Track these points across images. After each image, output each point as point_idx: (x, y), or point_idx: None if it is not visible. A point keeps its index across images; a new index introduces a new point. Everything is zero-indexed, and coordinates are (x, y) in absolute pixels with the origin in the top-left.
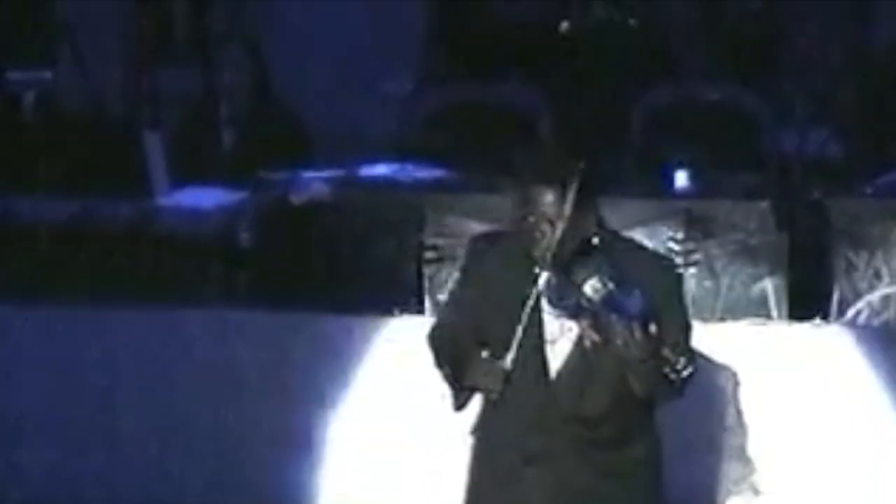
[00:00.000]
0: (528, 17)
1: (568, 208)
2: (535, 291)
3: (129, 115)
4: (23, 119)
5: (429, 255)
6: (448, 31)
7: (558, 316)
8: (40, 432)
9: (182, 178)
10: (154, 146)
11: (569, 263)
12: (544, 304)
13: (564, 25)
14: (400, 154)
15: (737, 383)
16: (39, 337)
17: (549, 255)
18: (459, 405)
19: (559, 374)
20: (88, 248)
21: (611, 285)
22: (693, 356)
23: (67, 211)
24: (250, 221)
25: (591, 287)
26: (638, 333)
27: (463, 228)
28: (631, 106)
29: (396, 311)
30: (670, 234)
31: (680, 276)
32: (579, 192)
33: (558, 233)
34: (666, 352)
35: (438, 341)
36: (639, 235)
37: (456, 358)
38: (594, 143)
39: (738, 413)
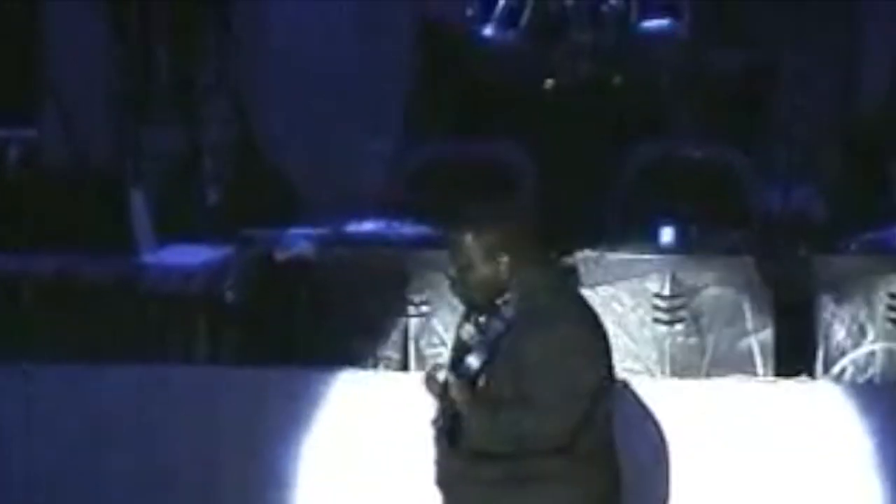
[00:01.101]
0: (513, 74)
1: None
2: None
3: (114, 172)
4: (6, 175)
5: (413, 310)
6: (433, 89)
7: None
8: (23, 492)
9: (167, 234)
10: (139, 203)
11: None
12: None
13: (549, 82)
14: (385, 211)
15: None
16: (21, 393)
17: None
18: None
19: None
20: (73, 303)
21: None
22: (530, 417)
23: (52, 266)
24: (235, 278)
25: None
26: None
27: (446, 284)
28: (616, 163)
29: (381, 366)
30: (656, 290)
31: (550, 350)
32: (486, 248)
33: (464, 282)
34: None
35: None
36: (623, 292)
37: None
38: (579, 199)
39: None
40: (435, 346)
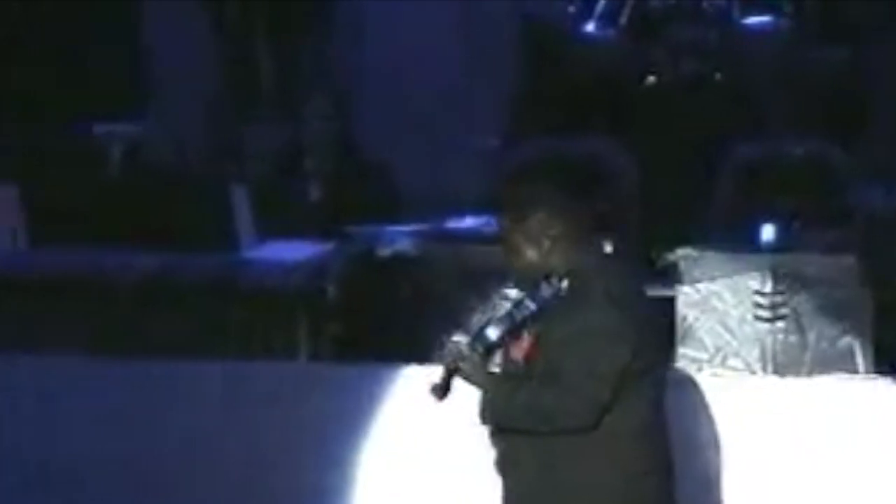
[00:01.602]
0: (614, 71)
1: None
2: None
3: (216, 169)
4: (110, 172)
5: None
6: (533, 87)
7: None
8: (120, 486)
9: (268, 231)
10: (241, 200)
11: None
12: None
13: (650, 80)
14: (485, 207)
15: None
16: (124, 391)
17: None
18: None
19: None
20: (174, 301)
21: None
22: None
23: (154, 264)
24: (336, 275)
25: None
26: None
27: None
28: (717, 160)
29: None
30: (756, 287)
31: (573, 329)
32: (526, 232)
33: (511, 265)
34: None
35: None
36: (725, 289)
37: None
38: (679, 197)
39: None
40: None
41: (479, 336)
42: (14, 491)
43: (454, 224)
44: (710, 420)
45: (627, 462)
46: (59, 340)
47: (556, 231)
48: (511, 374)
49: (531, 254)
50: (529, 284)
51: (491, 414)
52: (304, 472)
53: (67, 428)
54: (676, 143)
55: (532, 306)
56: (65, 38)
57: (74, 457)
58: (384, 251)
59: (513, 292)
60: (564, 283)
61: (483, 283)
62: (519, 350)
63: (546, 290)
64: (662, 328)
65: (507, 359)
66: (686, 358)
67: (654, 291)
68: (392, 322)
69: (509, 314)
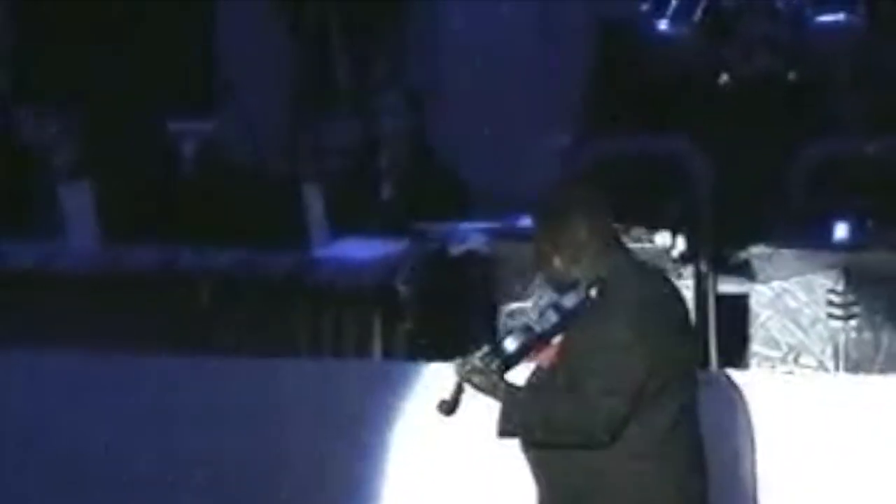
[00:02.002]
0: (687, 69)
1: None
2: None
3: (289, 167)
4: (183, 169)
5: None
6: (607, 85)
7: None
8: (202, 485)
9: (340, 229)
10: (314, 198)
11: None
12: None
13: (724, 77)
14: None
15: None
16: (199, 385)
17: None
18: None
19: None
20: (248, 298)
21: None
22: (581, 411)
23: (226, 262)
24: (409, 272)
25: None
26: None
27: None
28: (790, 157)
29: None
30: (829, 286)
31: (590, 343)
32: (546, 244)
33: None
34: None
35: None
36: (797, 287)
37: None
38: (752, 194)
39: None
40: None
41: (496, 349)
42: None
43: (527, 222)
44: (780, 418)
45: (647, 471)
46: (131, 338)
47: (583, 238)
48: (533, 385)
49: (557, 260)
50: (556, 291)
51: (508, 427)
52: (370, 469)
53: (162, 427)
54: (750, 140)
55: (554, 318)
56: (140, 35)
57: (159, 456)
58: (456, 249)
59: (527, 305)
60: (593, 292)
61: None
62: (546, 357)
63: (570, 300)
64: (689, 335)
65: (536, 366)
66: (759, 356)
67: (727, 289)
68: (464, 320)
69: (528, 326)
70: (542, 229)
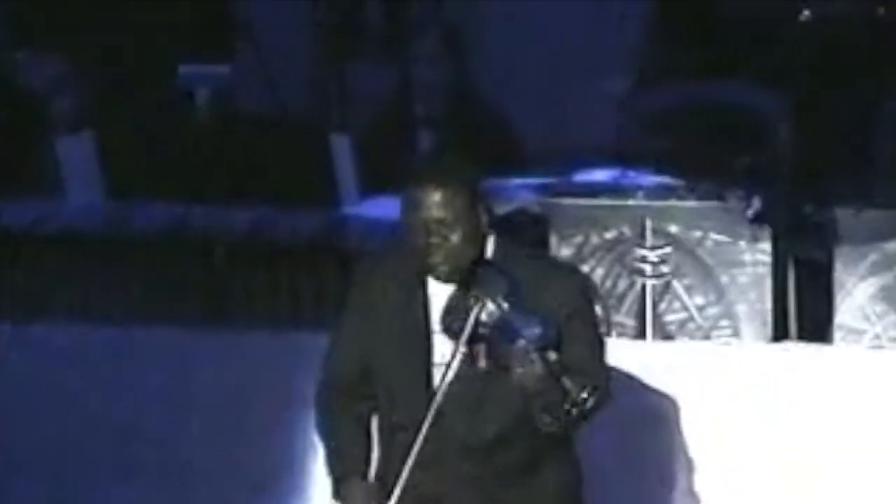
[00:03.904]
0: (763, 7)
1: (453, 214)
2: (421, 313)
3: (315, 116)
4: (196, 118)
5: (650, 270)
6: (672, 24)
7: (450, 338)
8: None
9: (373, 185)
10: (342, 150)
11: (461, 281)
12: (435, 325)
13: (805, 14)
14: (620, 159)
15: (677, 408)
16: (216, 360)
17: (443, 271)
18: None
19: (448, 400)
20: (267, 263)
21: (505, 307)
22: (601, 380)
23: (244, 221)
24: None
25: (485, 312)
26: (535, 363)
27: (689, 240)
28: (878, 106)
29: (614, 333)
30: None
31: (588, 290)
32: (470, 196)
33: (453, 243)
34: (566, 383)
35: (320, 415)
36: (880, 252)
37: (334, 452)
38: (837, 148)
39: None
40: (676, 311)
41: (529, 338)
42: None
43: (582, 177)
44: (864, 397)
45: (577, 466)
46: (137, 306)
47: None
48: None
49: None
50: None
51: (551, 420)
52: None
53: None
54: (833, 86)
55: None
56: None
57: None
58: (504, 207)
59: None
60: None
61: (616, 243)
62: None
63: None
64: None
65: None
66: (844, 329)
67: (806, 254)
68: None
69: (529, 312)
70: (466, 190)
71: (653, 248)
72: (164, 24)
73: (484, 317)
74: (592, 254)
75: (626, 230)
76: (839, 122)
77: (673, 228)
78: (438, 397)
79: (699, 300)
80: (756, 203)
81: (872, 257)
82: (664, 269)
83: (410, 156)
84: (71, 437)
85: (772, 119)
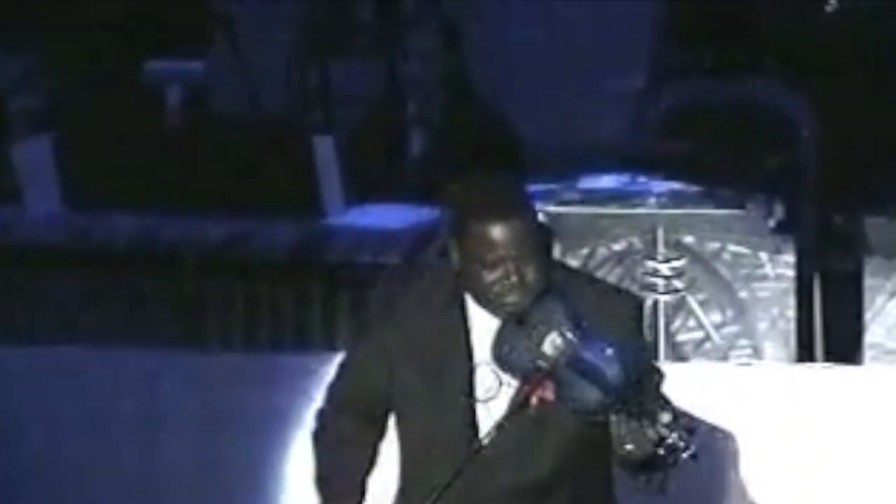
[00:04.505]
0: None
1: (530, 249)
2: (463, 343)
3: (296, 117)
4: (167, 120)
5: (662, 285)
6: (687, 18)
7: (500, 370)
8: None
9: (360, 192)
10: (326, 154)
11: (520, 310)
12: (480, 355)
13: (832, 4)
14: (629, 163)
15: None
16: (185, 384)
17: (514, 308)
18: None
19: (494, 439)
20: (244, 277)
21: (574, 339)
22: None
23: (220, 233)
24: (445, 245)
25: (550, 343)
26: (649, 439)
27: (706, 251)
28: None
29: None
30: None
31: (642, 315)
32: (537, 221)
33: (530, 279)
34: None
35: (319, 435)
36: None
37: (326, 477)
38: (868, 151)
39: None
40: (691, 330)
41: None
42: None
43: (589, 183)
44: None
45: None
46: (101, 325)
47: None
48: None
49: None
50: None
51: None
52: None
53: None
54: (864, 84)
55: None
56: None
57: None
58: None
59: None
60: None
61: (624, 252)
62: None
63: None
64: None
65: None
66: (877, 349)
67: (833, 266)
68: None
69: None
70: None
71: (665, 260)
72: (133, 16)
73: (549, 350)
74: (599, 267)
75: (637, 241)
76: (870, 124)
77: (688, 239)
78: (486, 440)
79: (716, 317)
80: (779, 211)
81: None
82: (678, 283)
83: (401, 160)
84: (23, 465)
85: (796, 120)
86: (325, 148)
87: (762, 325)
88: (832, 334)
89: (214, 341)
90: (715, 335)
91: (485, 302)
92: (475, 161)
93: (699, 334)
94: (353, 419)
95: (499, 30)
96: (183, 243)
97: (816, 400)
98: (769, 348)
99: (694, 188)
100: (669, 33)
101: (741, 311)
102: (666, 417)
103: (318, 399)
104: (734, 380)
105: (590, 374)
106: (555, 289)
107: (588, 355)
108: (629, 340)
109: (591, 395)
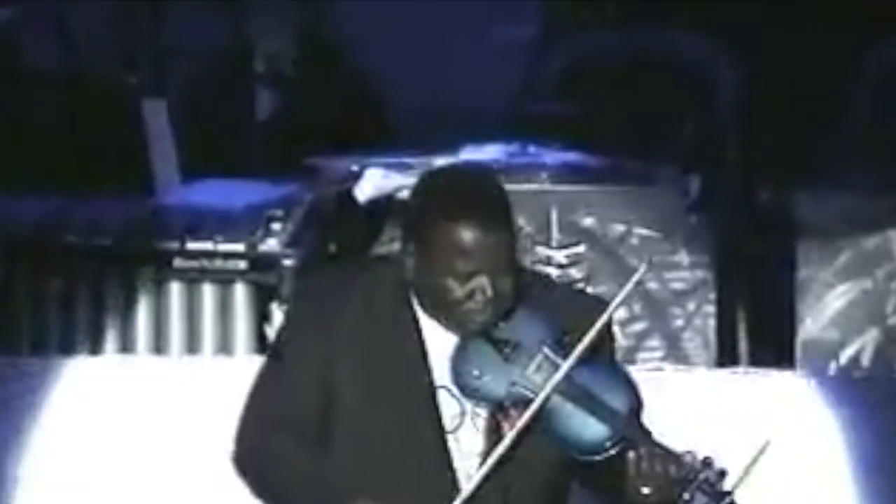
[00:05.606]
0: None
1: (506, 261)
2: (420, 361)
3: (122, 75)
4: None
5: (558, 273)
6: None
7: (462, 396)
8: None
9: (197, 167)
10: (157, 120)
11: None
12: (440, 378)
13: None
14: (517, 130)
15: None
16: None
17: (482, 325)
18: None
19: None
20: (61, 265)
21: (560, 360)
22: None
23: (34, 211)
24: (297, 227)
25: (535, 366)
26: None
27: (608, 236)
28: (851, 64)
29: None
30: None
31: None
32: (514, 226)
33: (503, 294)
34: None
35: (268, 463)
36: (856, 248)
37: (317, 480)
38: (800, 118)
39: None
40: None
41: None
42: None
43: (470, 153)
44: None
45: None
46: None
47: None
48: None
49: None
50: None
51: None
52: None
53: None
54: (795, 39)
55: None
56: None
57: None
58: (365, 193)
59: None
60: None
61: None
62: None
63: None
64: None
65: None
66: (810, 346)
67: (759, 252)
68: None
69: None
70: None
71: (560, 246)
72: None
73: (534, 374)
74: None
75: (526, 223)
76: (802, 83)
77: (587, 221)
78: (470, 488)
79: (621, 313)
80: (695, 186)
81: (846, 256)
82: (575, 273)
83: (248, 126)
84: None
85: (713, 78)
86: (156, 113)
87: (676, 323)
88: (759, 332)
89: (22, 337)
90: (620, 334)
91: (447, 318)
92: (334, 129)
93: None
94: (290, 438)
95: None
96: None
97: (740, 409)
98: (684, 350)
99: (594, 160)
100: None
101: (651, 307)
102: (689, 456)
103: None
104: (642, 387)
105: (587, 403)
106: (526, 298)
107: (581, 379)
108: (615, 358)
109: (593, 430)
